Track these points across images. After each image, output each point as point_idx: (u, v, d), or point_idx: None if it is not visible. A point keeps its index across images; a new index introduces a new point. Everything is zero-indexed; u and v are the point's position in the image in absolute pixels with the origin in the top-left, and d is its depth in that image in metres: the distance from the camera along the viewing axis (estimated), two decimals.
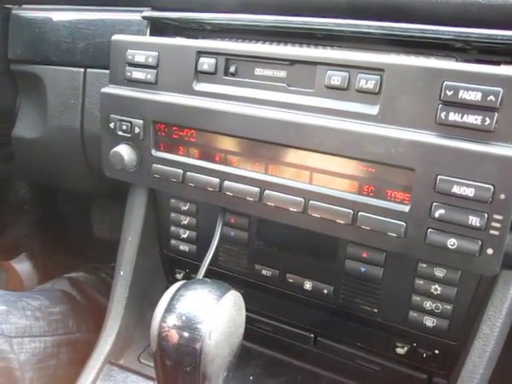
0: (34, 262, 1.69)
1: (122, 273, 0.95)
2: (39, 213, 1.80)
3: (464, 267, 0.65)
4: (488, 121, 0.59)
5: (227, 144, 0.75)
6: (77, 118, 0.96)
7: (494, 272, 0.62)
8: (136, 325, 0.98)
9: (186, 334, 0.58)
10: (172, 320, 0.59)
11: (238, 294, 0.65)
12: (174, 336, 0.59)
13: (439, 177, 0.61)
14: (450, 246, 0.63)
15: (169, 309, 0.61)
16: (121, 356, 0.93)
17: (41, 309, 1.12)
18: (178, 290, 0.63)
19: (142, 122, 0.80)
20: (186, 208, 0.92)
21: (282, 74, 0.72)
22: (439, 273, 0.75)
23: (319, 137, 0.67)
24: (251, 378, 0.93)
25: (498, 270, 0.62)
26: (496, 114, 0.59)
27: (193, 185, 0.78)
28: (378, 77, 0.65)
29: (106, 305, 1.31)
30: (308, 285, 0.85)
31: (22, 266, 1.67)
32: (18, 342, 1.01)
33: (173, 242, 0.96)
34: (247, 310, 0.91)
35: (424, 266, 0.75)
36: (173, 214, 0.94)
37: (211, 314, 0.59)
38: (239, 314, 0.64)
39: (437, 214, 0.62)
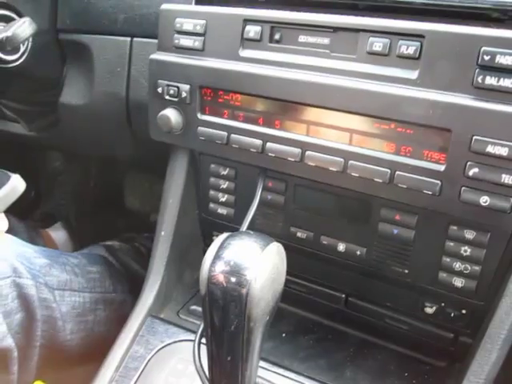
0: (69, 230, 1.76)
1: (163, 233, 1.00)
2: (73, 184, 1.86)
3: (495, 224, 0.69)
4: None
5: (270, 107, 0.80)
6: (122, 85, 1.01)
7: None
8: (175, 283, 1.03)
9: (233, 279, 0.61)
10: (220, 266, 0.62)
11: (280, 245, 0.68)
12: (222, 281, 0.62)
13: (474, 137, 0.65)
14: (482, 203, 0.67)
15: (217, 255, 0.64)
16: (161, 311, 0.98)
17: (79, 266, 1.17)
18: (226, 239, 0.66)
19: (188, 86, 0.85)
20: (225, 173, 0.96)
21: (326, 41, 0.76)
22: (469, 235, 0.78)
23: (360, 100, 0.71)
24: (284, 335, 0.97)
25: None
26: None
27: (237, 146, 0.83)
28: (418, 43, 0.68)
29: (140, 271, 1.37)
30: (341, 246, 0.89)
31: (58, 234, 1.74)
32: (59, 294, 1.07)
33: (211, 205, 1.01)
34: None
35: (455, 228, 0.78)
36: (212, 179, 0.99)
37: (257, 261, 0.62)
38: (282, 263, 0.67)
39: (471, 173, 0.66)
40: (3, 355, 0.95)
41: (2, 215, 0.73)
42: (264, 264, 0.63)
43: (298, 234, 0.92)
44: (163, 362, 0.88)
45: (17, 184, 0.70)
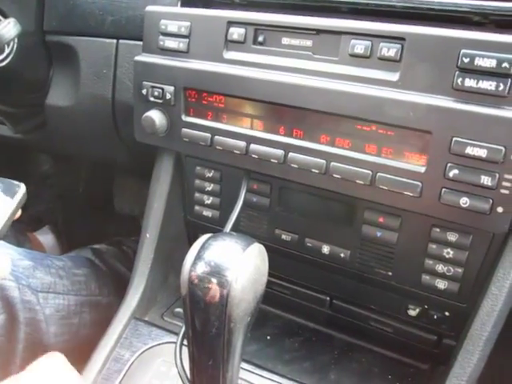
0: (57, 234, 1.75)
1: (148, 235, 1.00)
2: (62, 187, 1.86)
3: (475, 225, 0.69)
4: (502, 86, 0.63)
5: (254, 109, 0.80)
6: (108, 87, 1.00)
7: (503, 229, 0.66)
8: (160, 285, 1.03)
9: (214, 280, 0.61)
10: (201, 267, 0.62)
11: (262, 246, 0.68)
12: (202, 282, 0.62)
13: (454, 139, 0.65)
14: (462, 205, 0.67)
15: (198, 256, 0.63)
16: (145, 313, 0.98)
17: (64, 269, 1.17)
18: (207, 240, 0.66)
19: (173, 88, 0.85)
20: (210, 175, 0.97)
21: (308, 43, 0.76)
22: (452, 237, 0.78)
23: (342, 101, 0.72)
24: (268, 337, 0.97)
25: (507, 227, 0.66)
26: (510, 80, 0.63)
27: (220, 148, 0.83)
28: (399, 45, 0.69)
29: (126, 274, 1.36)
30: (326, 249, 0.89)
31: (46, 238, 1.73)
32: (43, 297, 1.06)
33: (196, 207, 1.01)
34: None
35: (437, 230, 0.79)
36: (197, 181, 0.99)
37: (238, 262, 0.62)
38: (263, 264, 0.67)
39: (451, 174, 0.67)
40: None
41: None
42: (245, 265, 0.63)
43: (283, 237, 0.93)
44: (146, 364, 0.87)
45: (25, 192, 0.71)
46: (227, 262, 0.62)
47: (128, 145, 1.09)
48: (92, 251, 1.42)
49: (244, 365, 0.85)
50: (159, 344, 0.90)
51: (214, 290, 0.61)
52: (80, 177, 1.84)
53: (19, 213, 0.73)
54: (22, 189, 0.70)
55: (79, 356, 1.01)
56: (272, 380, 0.85)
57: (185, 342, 0.69)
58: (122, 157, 1.22)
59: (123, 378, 0.86)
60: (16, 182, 0.71)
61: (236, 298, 0.61)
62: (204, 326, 0.63)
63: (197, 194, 1.00)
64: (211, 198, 0.99)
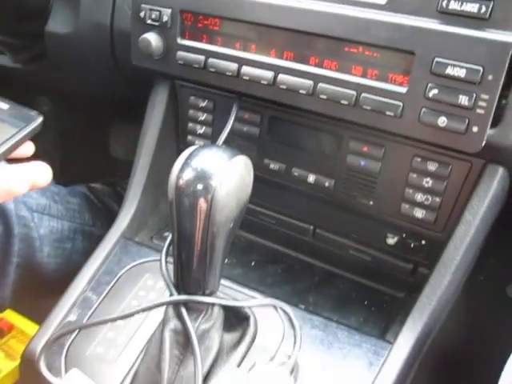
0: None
1: (140, 161, 1.03)
2: (59, 130, 1.88)
3: (451, 145, 0.73)
4: (484, 9, 0.66)
5: (247, 32, 0.83)
6: (107, 14, 1.02)
7: (477, 148, 0.70)
8: (151, 211, 1.06)
9: (199, 185, 0.64)
10: (188, 173, 0.65)
11: (248, 158, 0.71)
12: (189, 186, 0.65)
13: (436, 59, 0.68)
14: (440, 125, 0.70)
15: (186, 163, 0.66)
16: (135, 235, 1.01)
17: (59, 194, 1.20)
18: (195, 149, 0.69)
19: (170, 10, 0.87)
20: (203, 104, 1.00)
21: None
22: (432, 167, 0.82)
23: (332, 23, 0.74)
24: (253, 263, 1.02)
25: (481, 147, 0.70)
26: (492, 3, 0.66)
27: (213, 70, 0.86)
28: None
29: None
30: (311, 178, 0.93)
31: None
32: (38, 217, 1.09)
33: (189, 137, 1.04)
34: (253, 203, 1.00)
35: (418, 160, 0.82)
36: (191, 111, 1.02)
37: (223, 169, 0.65)
38: (248, 175, 0.70)
39: (431, 94, 0.70)
40: None
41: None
42: (230, 172, 0.65)
43: (271, 166, 0.96)
44: (134, 277, 0.91)
45: (39, 123, 0.73)
46: (213, 168, 0.64)
47: (125, 75, 1.11)
48: (87, 188, 1.45)
49: (227, 282, 0.89)
50: (147, 261, 0.94)
51: (200, 194, 0.64)
52: (77, 121, 1.86)
53: (32, 148, 0.74)
54: (38, 118, 0.72)
55: (70, 281, 1.05)
56: (253, 297, 0.89)
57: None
58: (118, 91, 1.24)
59: (111, 289, 0.89)
60: (34, 112, 0.72)
61: (220, 202, 0.64)
62: (189, 230, 0.66)
63: (190, 124, 1.03)
64: (204, 128, 1.02)
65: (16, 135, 0.68)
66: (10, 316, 1.28)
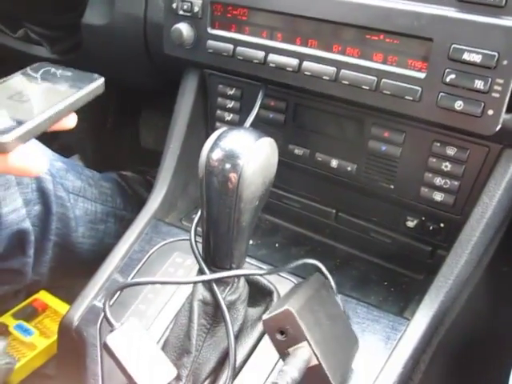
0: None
1: (171, 146, 1.08)
2: (91, 120, 1.94)
3: (467, 128, 0.76)
4: None
5: (274, 21, 0.87)
6: (141, 6, 1.08)
7: (492, 131, 0.73)
8: (180, 193, 1.11)
9: (228, 164, 0.68)
10: (217, 153, 0.69)
11: (273, 140, 0.75)
12: (218, 165, 0.69)
13: (453, 46, 0.72)
14: (457, 108, 0.73)
15: (215, 144, 0.71)
16: (166, 216, 1.06)
17: (93, 178, 1.25)
18: (224, 131, 0.73)
19: (201, 1, 0.92)
20: (232, 92, 1.04)
21: None
22: (450, 151, 0.85)
23: (353, 12, 0.78)
24: (277, 245, 1.06)
25: (496, 129, 0.73)
26: None
27: (241, 58, 0.90)
28: None
29: None
30: (334, 163, 0.97)
31: None
32: (73, 198, 1.15)
33: (218, 124, 1.09)
34: (278, 187, 1.04)
35: (438, 145, 0.85)
36: (220, 99, 1.06)
37: (250, 149, 0.69)
38: (273, 155, 0.74)
39: (448, 79, 0.73)
40: (21, 238, 1.03)
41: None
42: (256, 152, 0.70)
43: (295, 151, 1.00)
44: (164, 255, 0.96)
45: (100, 85, 0.76)
46: (240, 148, 0.69)
47: (157, 65, 1.16)
48: (118, 175, 1.51)
49: (252, 260, 0.93)
50: (177, 240, 0.99)
51: (228, 172, 0.68)
52: (109, 111, 1.92)
53: (75, 119, 0.77)
54: (99, 79, 0.75)
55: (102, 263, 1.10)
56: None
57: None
58: (150, 81, 1.30)
59: (142, 265, 0.95)
60: (96, 75, 0.76)
61: (247, 180, 0.68)
62: (218, 206, 0.71)
63: (218, 111, 1.08)
64: (231, 115, 1.06)
65: (78, 93, 0.71)
66: (45, 297, 1.35)
